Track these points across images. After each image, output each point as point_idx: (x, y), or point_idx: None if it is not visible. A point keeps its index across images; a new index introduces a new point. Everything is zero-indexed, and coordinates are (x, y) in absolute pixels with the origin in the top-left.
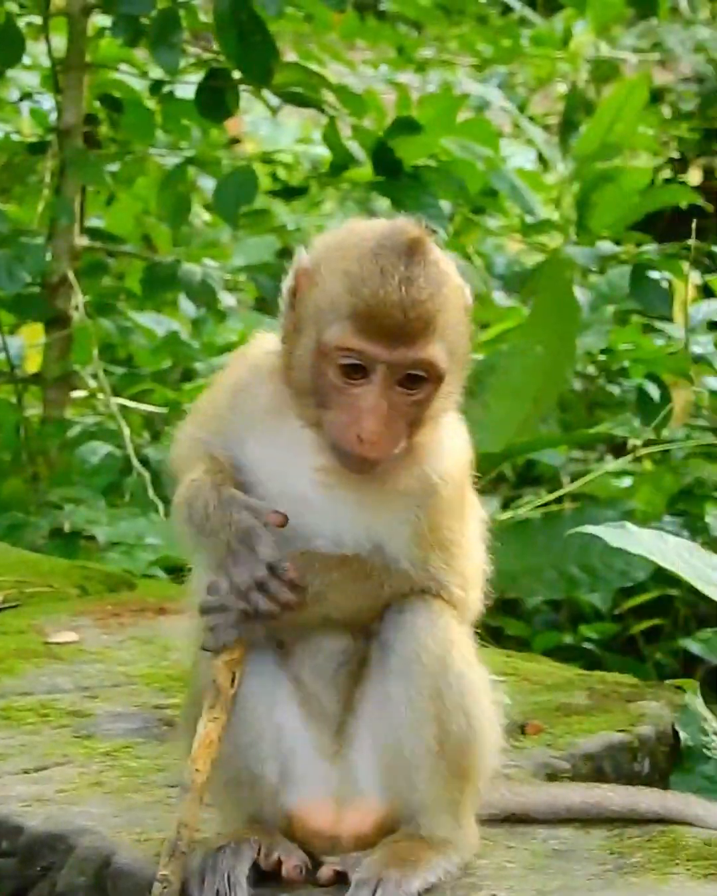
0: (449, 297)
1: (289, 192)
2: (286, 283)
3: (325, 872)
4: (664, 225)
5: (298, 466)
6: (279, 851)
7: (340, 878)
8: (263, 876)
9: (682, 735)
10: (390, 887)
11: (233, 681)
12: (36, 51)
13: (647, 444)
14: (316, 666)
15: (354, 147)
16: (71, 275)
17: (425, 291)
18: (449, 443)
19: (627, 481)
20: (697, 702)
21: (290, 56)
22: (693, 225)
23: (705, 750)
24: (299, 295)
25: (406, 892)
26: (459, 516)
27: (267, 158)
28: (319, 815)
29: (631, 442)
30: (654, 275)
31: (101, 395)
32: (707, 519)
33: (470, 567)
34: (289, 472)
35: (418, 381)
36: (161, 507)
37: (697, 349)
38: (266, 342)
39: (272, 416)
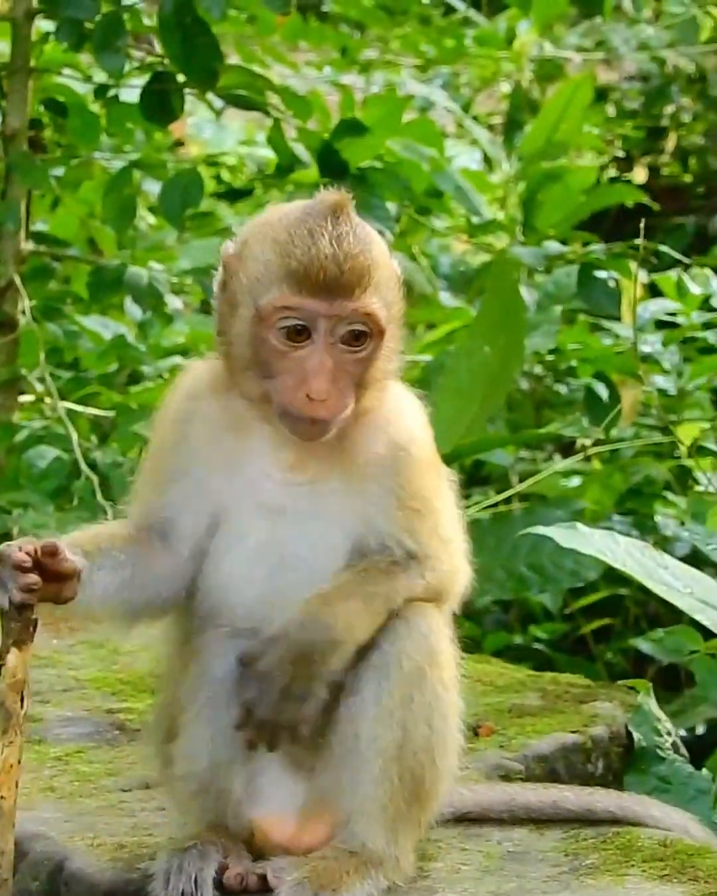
0: (379, 253)
1: (234, 195)
2: (216, 276)
3: (250, 878)
4: (610, 224)
5: (269, 469)
6: (230, 858)
7: (263, 884)
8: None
9: (635, 736)
10: None
11: (21, 701)
12: None
13: (596, 443)
14: None
15: (300, 149)
16: (17, 279)
17: (356, 246)
18: (407, 407)
19: (576, 481)
20: (650, 702)
21: (233, 59)
22: (641, 224)
23: (658, 751)
24: (228, 279)
25: None
26: (434, 476)
27: (211, 161)
28: (281, 829)
29: (580, 441)
30: (601, 274)
31: (48, 399)
32: (657, 518)
33: (454, 532)
34: (260, 480)
35: (361, 337)
36: (110, 510)
37: (645, 348)
38: (193, 370)
39: (226, 431)
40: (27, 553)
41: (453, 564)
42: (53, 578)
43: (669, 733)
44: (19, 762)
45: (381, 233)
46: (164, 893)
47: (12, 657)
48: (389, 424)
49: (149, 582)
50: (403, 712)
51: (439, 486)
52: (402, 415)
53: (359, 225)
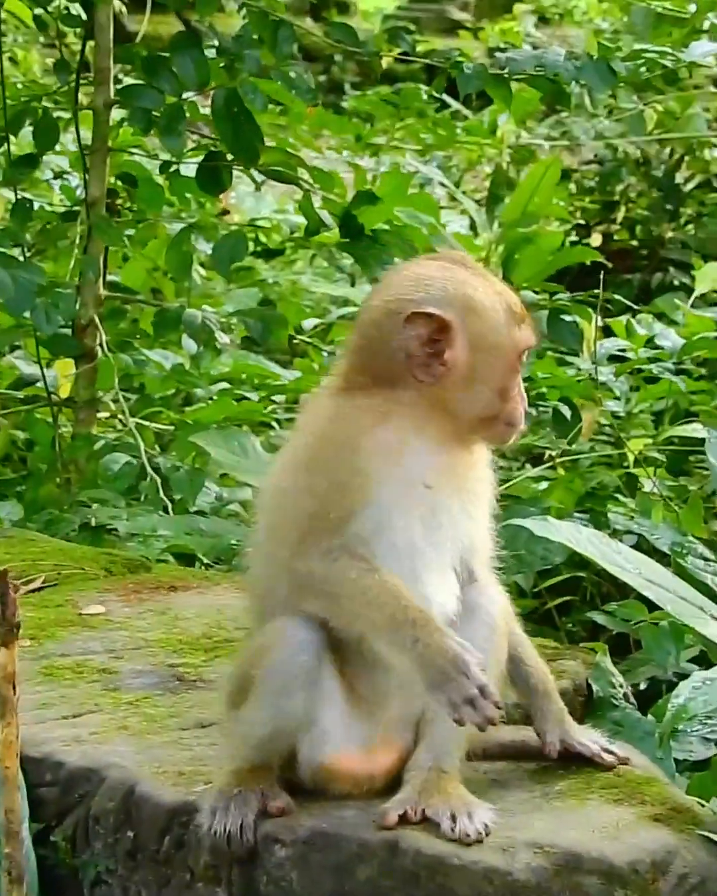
0: None
1: (269, 253)
2: (416, 342)
3: (390, 818)
4: (573, 278)
5: (422, 479)
6: (269, 798)
7: (403, 820)
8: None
9: (594, 688)
10: (464, 820)
11: (13, 689)
12: (66, 139)
13: (561, 454)
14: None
15: (325, 215)
16: (96, 319)
17: None
18: None
19: (544, 485)
20: (606, 661)
21: (269, 143)
22: (602, 277)
23: (613, 700)
24: (454, 332)
25: (481, 821)
26: (491, 499)
27: (254, 225)
28: (351, 765)
29: (548, 452)
30: (566, 318)
31: (120, 416)
32: (609, 515)
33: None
34: (413, 488)
35: None
36: (170, 505)
37: (601, 378)
38: (343, 407)
39: (396, 451)
40: None
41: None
42: None
43: (621, 686)
44: (17, 738)
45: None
46: (210, 831)
47: (1, 654)
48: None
49: None
50: (500, 655)
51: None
52: None
53: None
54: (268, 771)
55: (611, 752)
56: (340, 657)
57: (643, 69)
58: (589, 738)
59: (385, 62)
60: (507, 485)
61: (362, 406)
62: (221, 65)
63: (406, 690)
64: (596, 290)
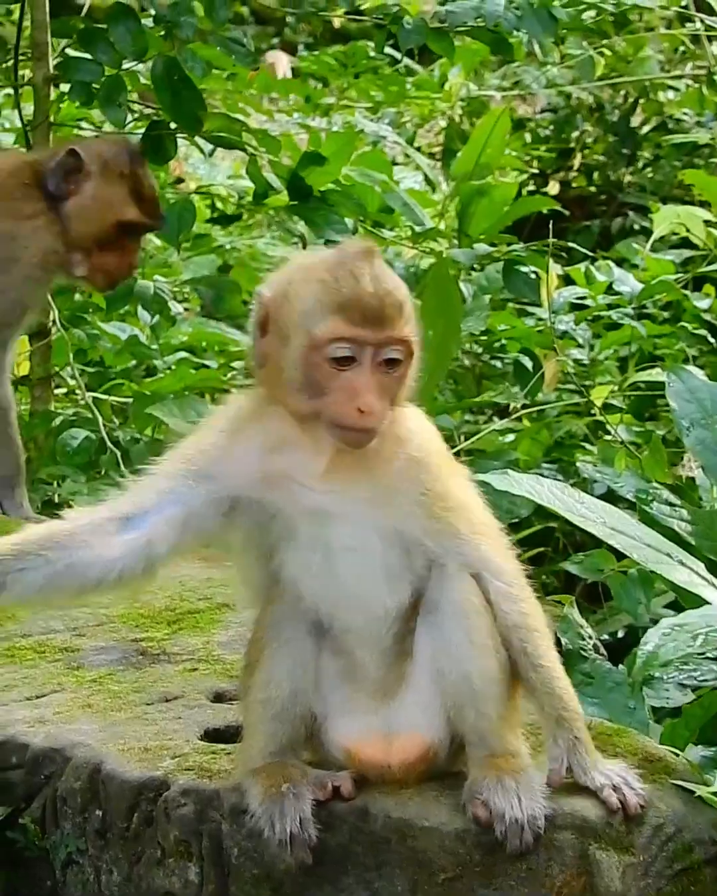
0: (406, 291)
1: (226, 220)
2: (252, 317)
3: (481, 812)
4: (531, 228)
5: (308, 479)
6: (329, 780)
7: (489, 809)
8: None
9: (563, 640)
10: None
11: None
12: (9, 115)
13: (525, 406)
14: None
15: (273, 178)
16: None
17: (391, 284)
18: (420, 423)
19: (510, 437)
20: (574, 613)
21: (218, 109)
22: (550, 226)
23: (582, 652)
24: (271, 319)
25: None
26: (455, 478)
27: (203, 192)
28: (377, 751)
29: (512, 405)
30: (523, 268)
31: (77, 391)
32: (578, 464)
33: (487, 518)
34: (301, 489)
35: (394, 363)
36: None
37: (561, 327)
38: (233, 401)
39: (270, 451)
40: None
41: (496, 546)
42: None
43: (590, 637)
44: None
45: (339, 243)
46: (273, 836)
47: None
48: (406, 439)
49: (85, 569)
50: (493, 642)
51: (463, 485)
52: (417, 430)
53: (386, 266)
54: (296, 758)
55: (621, 792)
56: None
57: (589, 14)
58: (604, 772)
59: (338, 22)
60: (473, 439)
61: (246, 404)
62: (160, 34)
63: (411, 680)
64: (549, 239)
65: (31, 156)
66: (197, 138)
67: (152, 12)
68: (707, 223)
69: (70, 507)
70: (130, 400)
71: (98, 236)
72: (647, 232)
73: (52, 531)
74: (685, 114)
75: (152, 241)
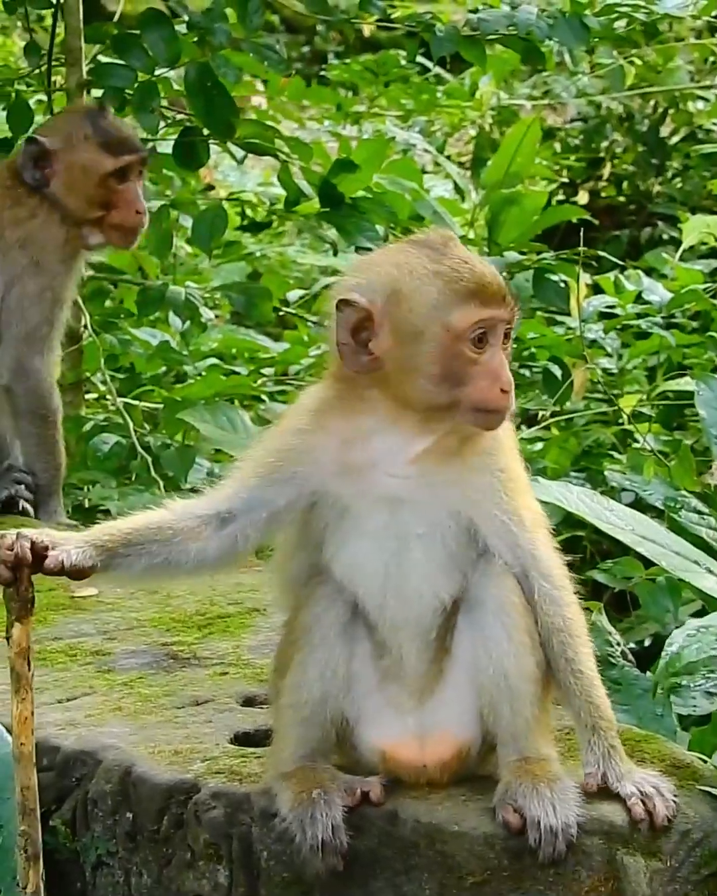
0: None
1: (256, 227)
2: (343, 330)
3: (512, 818)
4: (560, 237)
5: (393, 471)
6: (359, 785)
7: (521, 816)
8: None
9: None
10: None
11: (28, 666)
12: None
13: (553, 414)
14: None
15: (304, 185)
16: (79, 300)
17: (485, 262)
18: None
19: (539, 445)
20: (602, 619)
21: (249, 116)
22: (581, 235)
23: (610, 658)
24: (378, 323)
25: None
26: (521, 466)
27: (234, 199)
28: (411, 752)
29: (541, 413)
30: (552, 277)
31: (108, 396)
32: (605, 472)
33: (541, 516)
34: (382, 482)
35: (506, 337)
36: (161, 484)
37: (590, 335)
38: (313, 392)
39: (352, 443)
40: (8, 548)
41: (549, 543)
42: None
43: (618, 644)
44: (32, 714)
45: (370, 250)
46: (304, 841)
47: (16, 631)
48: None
49: (182, 561)
50: (531, 640)
51: (528, 492)
52: None
53: None
54: (326, 762)
55: (652, 802)
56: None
57: (619, 24)
58: (635, 781)
59: (368, 30)
60: None
61: (324, 399)
62: (193, 40)
63: (448, 677)
64: (579, 247)
65: (5, 160)
66: (229, 145)
67: (185, 19)
68: None
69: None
70: (161, 406)
71: (94, 199)
72: (676, 242)
73: (158, 524)
74: (714, 124)
75: (184, 248)
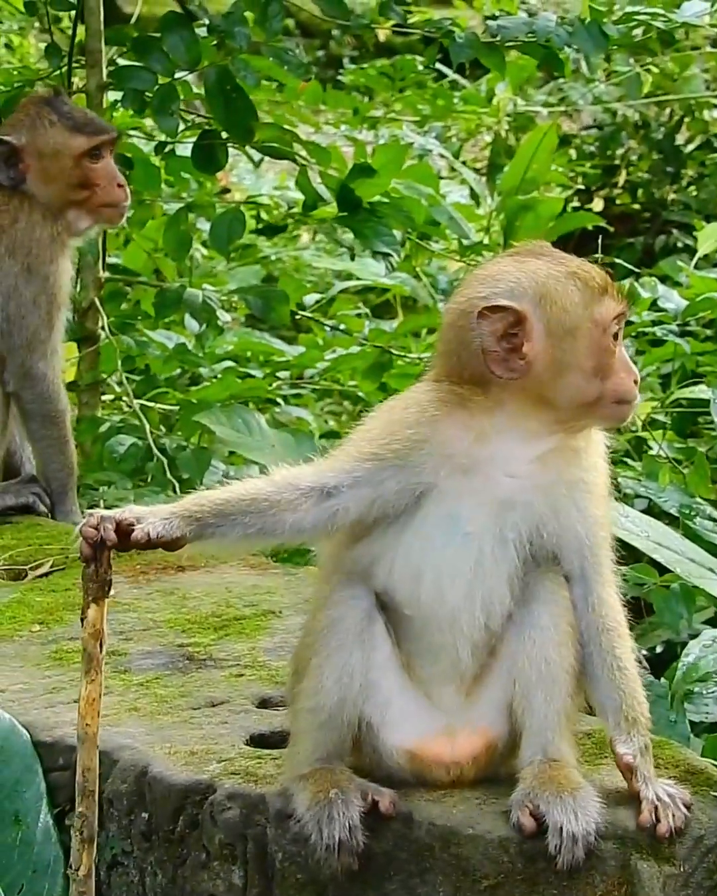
0: None
1: (271, 230)
2: (491, 338)
3: (526, 821)
4: (575, 243)
5: (510, 470)
6: (372, 793)
7: (538, 820)
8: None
9: None
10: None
11: (100, 647)
12: None
13: None
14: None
15: (322, 190)
16: (97, 301)
17: None
18: None
19: None
20: None
21: (267, 119)
22: (599, 241)
23: None
24: (533, 325)
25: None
26: (605, 484)
27: (251, 202)
28: (439, 751)
29: None
30: None
31: (125, 398)
32: (619, 479)
33: (608, 528)
34: (497, 481)
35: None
36: (177, 486)
37: None
38: (428, 390)
39: (469, 442)
40: (93, 527)
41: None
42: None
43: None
44: (100, 696)
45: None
46: (320, 841)
47: (92, 611)
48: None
49: (276, 531)
50: (573, 633)
51: (607, 503)
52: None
53: None
54: (343, 764)
55: (668, 810)
56: (398, 637)
57: (637, 32)
58: (656, 788)
59: (383, 35)
60: None
61: (440, 397)
62: (213, 43)
63: (493, 672)
64: (595, 255)
65: None
66: (248, 148)
67: (205, 22)
68: None
69: None
70: (177, 408)
71: (73, 181)
72: (691, 250)
73: (254, 495)
74: None
75: (200, 251)
